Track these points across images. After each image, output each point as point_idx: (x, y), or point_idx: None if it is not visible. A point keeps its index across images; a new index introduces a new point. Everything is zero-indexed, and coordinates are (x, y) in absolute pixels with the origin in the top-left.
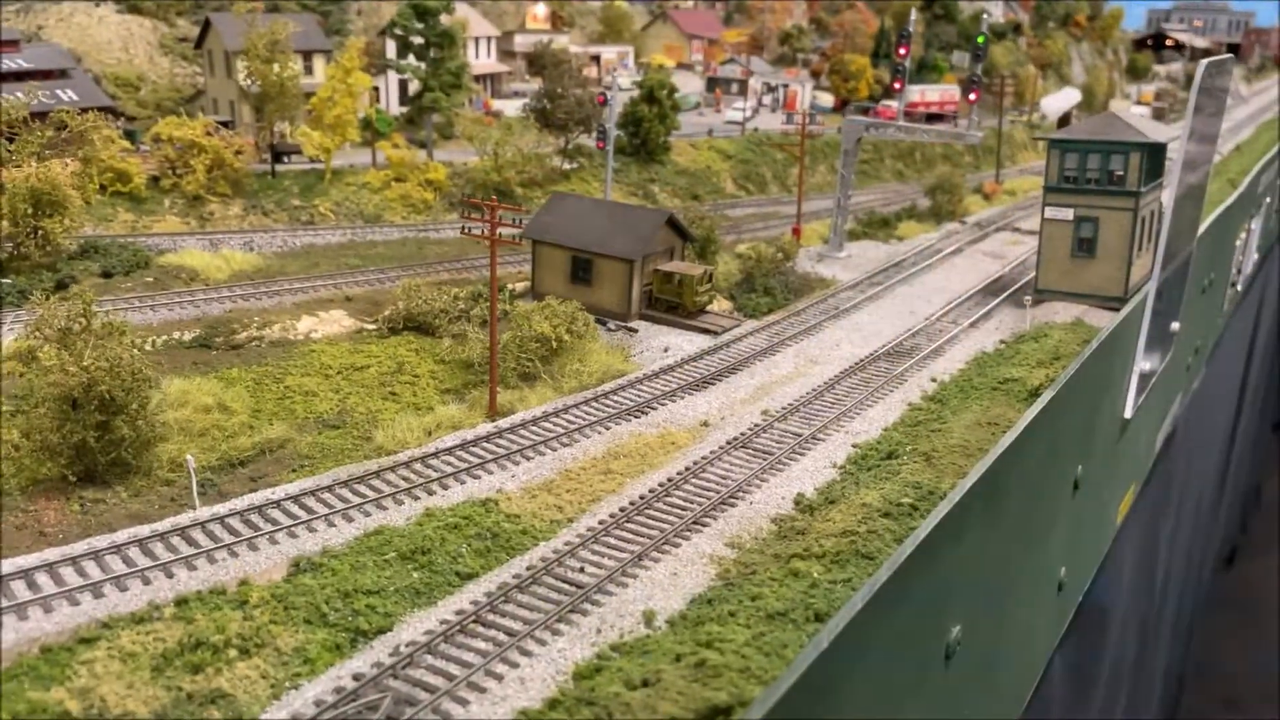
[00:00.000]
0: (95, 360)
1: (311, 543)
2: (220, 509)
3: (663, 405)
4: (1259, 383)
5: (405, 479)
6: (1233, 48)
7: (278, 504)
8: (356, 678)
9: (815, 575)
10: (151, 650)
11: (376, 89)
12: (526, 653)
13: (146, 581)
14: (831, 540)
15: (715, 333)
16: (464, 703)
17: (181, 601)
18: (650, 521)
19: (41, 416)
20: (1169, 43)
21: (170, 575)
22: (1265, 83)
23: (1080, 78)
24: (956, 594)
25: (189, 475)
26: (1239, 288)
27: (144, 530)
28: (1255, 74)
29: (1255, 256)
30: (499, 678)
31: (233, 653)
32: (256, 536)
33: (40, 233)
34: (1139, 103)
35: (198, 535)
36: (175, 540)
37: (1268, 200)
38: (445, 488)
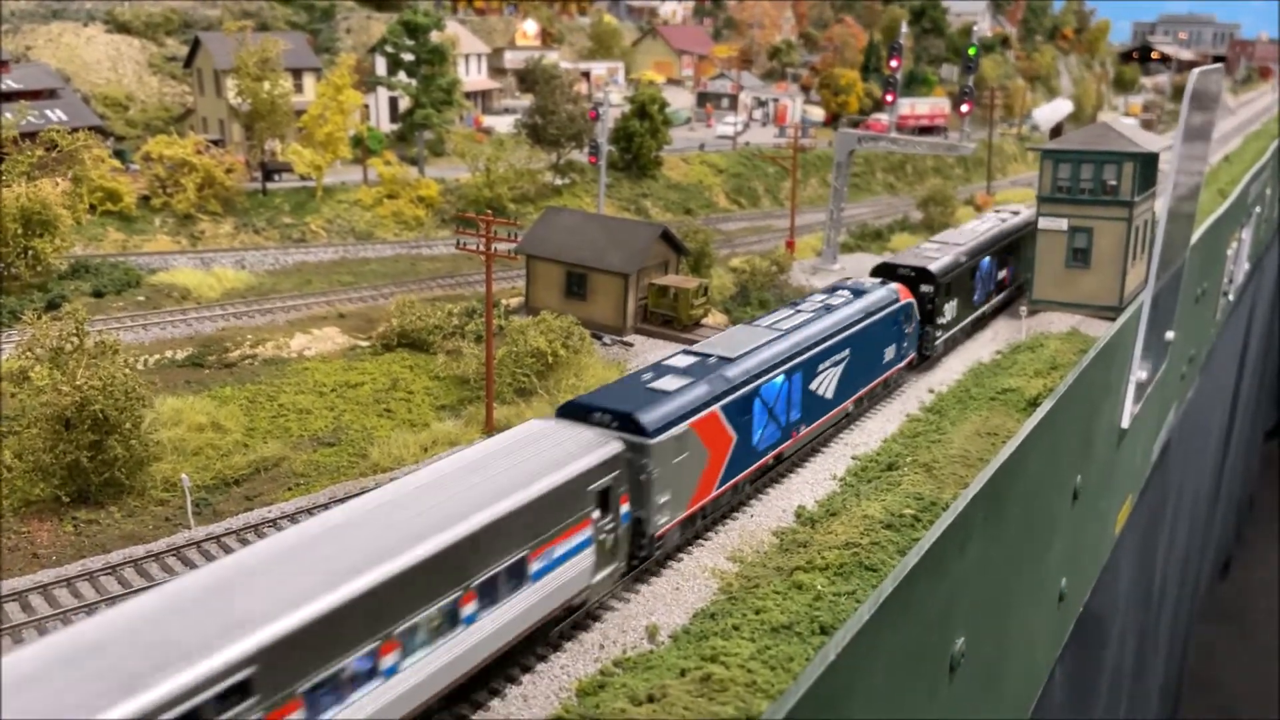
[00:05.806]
0: (88, 379)
1: None
2: (215, 528)
3: None
4: (1251, 392)
5: None
6: (1218, 59)
7: (273, 522)
8: None
9: (819, 588)
10: None
11: (367, 106)
12: (528, 669)
13: None
14: (834, 552)
15: None
16: None
17: None
18: None
19: (34, 437)
20: (1155, 55)
21: None
22: (1251, 94)
23: (1068, 90)
24: (960, 604)
25: (184, 494)
26: (1231, 297)
27: (139, 550)
28: (1241, 86)
29: (1246, 266)
30: (501, 695)
31: None
32: None
33: (30, 252)
34: (1127, 114)
35: (193, 555)
36: (171, 560)
37: (1257, 210)
38: None
